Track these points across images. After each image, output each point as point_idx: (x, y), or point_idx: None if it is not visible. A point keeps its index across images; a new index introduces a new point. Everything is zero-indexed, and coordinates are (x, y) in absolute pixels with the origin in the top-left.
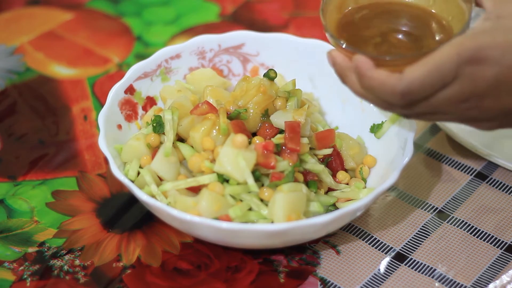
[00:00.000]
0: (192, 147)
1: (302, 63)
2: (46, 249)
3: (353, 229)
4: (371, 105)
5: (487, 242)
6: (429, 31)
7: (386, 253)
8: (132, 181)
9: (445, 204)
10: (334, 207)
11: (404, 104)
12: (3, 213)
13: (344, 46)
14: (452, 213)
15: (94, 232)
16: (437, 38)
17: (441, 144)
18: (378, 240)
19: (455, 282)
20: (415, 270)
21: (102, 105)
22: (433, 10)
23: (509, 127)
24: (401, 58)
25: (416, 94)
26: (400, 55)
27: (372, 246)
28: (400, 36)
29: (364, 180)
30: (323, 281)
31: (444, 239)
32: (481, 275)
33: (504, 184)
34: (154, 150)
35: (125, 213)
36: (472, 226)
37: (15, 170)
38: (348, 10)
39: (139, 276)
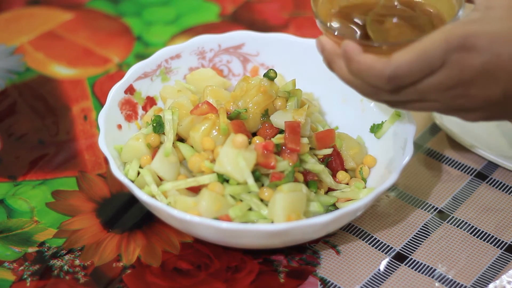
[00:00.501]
0: (192, 147)
1: (302, 63)
2: (46, 249)
3: (353, 229)
4: (371, 105)
5: (487, 242)
6: (420, 22)
7: (386, 253)
8: (132, 181)
9: (445, 204)
10: (334, 207)
11: (391, 89)
12: (3, 213)
13: (335, 33)
14: (452, 213)
15: (94, 232)
16: (427, 29)
17: (441, 144)
18: (378, 240)
19: (455, 282)
20: (415, 270)
21: (102, 105)
22: (424, 3)
23: (495, 119)
24: (390, 44)
25: (403, 78)
26: (389, 42)
27: (372, 246)
28: (390, 26)
29: (364, 180)
30: (323, 281)
31: (444, 239)
32: (481, 275)
33: (504, 184)
34: (154, 150)
35: (125, 213)
36: (472, 226)
37: (15, 170)
38: (343, 5)
39: (139, 276)
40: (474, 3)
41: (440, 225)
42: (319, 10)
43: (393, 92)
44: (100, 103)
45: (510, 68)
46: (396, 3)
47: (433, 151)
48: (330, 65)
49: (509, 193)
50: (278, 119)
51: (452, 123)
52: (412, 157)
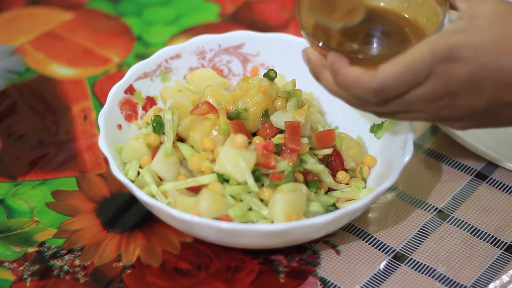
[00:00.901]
0: (192, 147)
1: (302, 63)
2: (46, 249)
3: (353, 229)
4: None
5: (487, 242)
6: (404, 33)
7: (386, 253)
8: (132, 181)
9: (445, 204)
10: (334, 207)
11: (377, 102)
12: (3, 213)
13: (320, 44)
14: (452, 213)
15: (94, 232)
16: (411, 40)
17: (441, 144)
18: (378, 240)
19: (455, 282)
20: (415, 270)
21: (102, 105)
22: (406, 15)
23: (482, 127)
24: (375, 56)
25: (389, 91)
26: (375, 54)
27: (372, 246)
28: (375, 38)
29: (364, 180)
30: (323, 281)
31: (444, 239)
32: (481, 275)
33: (504, 184)
34: (154, 150)
35: (125, 213)
36: (472, 226)
37: (15, 170)
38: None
39: (139, 276)
40: (458, 11)
41: (440, 225)
42: (304, 21)
43: (380, 104)
44: (100, 103)
45: (494, 78)
46: (379, 14)
47: (433, 151)
48: (317, 76)
49: (509, 193)
50: (278, 119)
51: None
52: (412, 157)
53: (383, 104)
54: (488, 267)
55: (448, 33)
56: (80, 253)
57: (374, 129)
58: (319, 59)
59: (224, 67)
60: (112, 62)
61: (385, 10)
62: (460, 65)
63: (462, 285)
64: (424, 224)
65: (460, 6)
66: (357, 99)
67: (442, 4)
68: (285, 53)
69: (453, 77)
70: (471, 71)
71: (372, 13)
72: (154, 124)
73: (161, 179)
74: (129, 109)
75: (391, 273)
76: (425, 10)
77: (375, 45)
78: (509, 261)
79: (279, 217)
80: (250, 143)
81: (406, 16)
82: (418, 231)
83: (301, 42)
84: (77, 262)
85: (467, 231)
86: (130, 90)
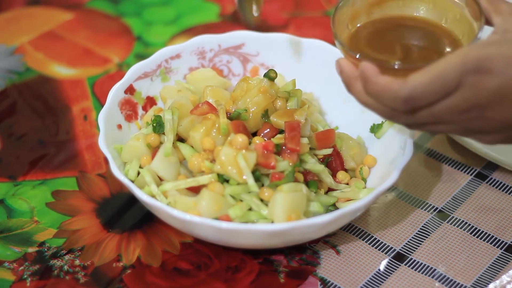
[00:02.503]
0: (192, 147)
1: (302, 63)
2: (46, 249)
3: (353, 229)
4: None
5: (487, 242)
6: (440, 46)
7: (386, 253)
8: (132, 181)
9: (445, 204)
10: (334, 207)
11: (406, 110)
12: (3, 213)
13: (353, 54)
14: (452, 213)
15: (94, 232)
16: (446, 54)
17: (441, 144)
18: (378, 240)
19: (455, 282)
20: (415, 270)
21: (102, 105)
22: (444, 25)
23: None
24: (408, 67)
25: (418, 100)
26: (407, 65)
27: (372, 246)
28: (410, 49)
29: (364, 180)
30: (323, 281)
31: (444, 239)
32: (481, 275)
33: (504, 184)
34: (154, 150)
35: (125, 213)
36: (472, 226)
37: (15, 170)
38: (361, 25)
39: (139, 276)
40: (493, 26)
41: (440, 225)
42: (338, 31)
43: (409, 113)
44: (100, 103)
45: None
46: (416, 26)
47: (433, 151)
48: (349, 87)
49: (509, 193)
50: (278, 119)
51: None
52: (412, 157)
53: (412, 114)
54: (488, 267)
55: (480, 45)
56: (80, 253)
57: (374, 129)
58: (351, 70)
59: (224, 67)
60: (112, 62)
61: (423, 21)
62: (490, 77)
63: (462, 285)
64: (424, 224)
65: (496, 21)
66: (387, 108)
67: (478, 19)
68: (285, 53)
69: (483, 89)
70: (502, 84)
71: (409, 23)
72: (154, 124)
73: (161, 179)
74: (129, 109)
75: (391, 273)
76: (462, 25)
77: (409, 56)
78: (509, 261)
79: (279, 217)
80: (250, 143)
81: (444, 27)
82: (418, 231)
83: (301, 42)
84: (77, 262)
85: (467, 231)
86: (130, 90)
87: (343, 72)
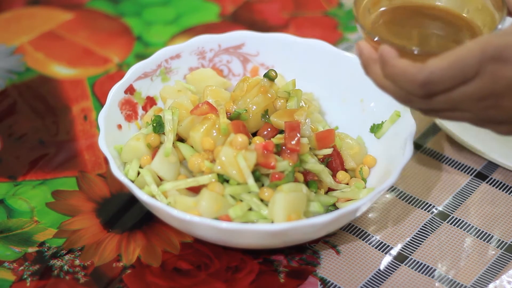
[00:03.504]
0: (192, 147)
1: (302, 63)
2: (46, 249)
3: (353, 229)
4: (371, 105)
5: (487, 242)
6: (459, 37)
7: (386, 253)
8: (132, 181)
9: (445, 204)
10: (334, 207)
11: (423, 95)
12: (3, 213)
13: (373, 37)
14: (452, 213)
15: (94, 232)
16: (466, 40)
17: (441, 144)
18: (378, 240)
19: (455, 282)
20: (415, 270)
21: (102, 105)
22: (465, 16)
23: None
24: (427, 52)
25: (436, 85)
26: (427, 50)
27: (372, 246)
28: (429, 38)
29: (364, 180)
30: (323, 281)
31: (444, 239)
32: (481, 275)
33: (504, 184)
34: (154, 150)
35: (125, 213)
36: (472, 226)
37: (15, 170)
38: (382, 10)
39: (139, 276)
40: None
41: (440, 225)
42: (360, 15)
43: (425, 98)
44: (100, 103)
45: None
46: (437, 15)
47: (433, 151)
48: (366, 69)
49: (509, 193)
50: (278, 119)
51: (452, 123)
52: (412, 157)
53: (428, 99)
54: (488, 267)
55: (501, 34)
56: (80, 253)
57: (374, 129)
58: (371, 53)
59: (224, 67)
60: (112, 62)
61: (444, 10)
62: (509, 66)
63: (462, 285)
64: (424, 224)
65: None
66: (403, 92)
67: (500, 10)
68: (285, 53)
69: (501, 78)
70: None
71: (430, 11)
72: (154, 124)
73: (161, 179)
74: (129, 109)
75: (391, 273)
76: (483, 16)
77: (427, 44)
78: (509, 261)
79: (279, 217)
80: (250, 143)
81: (465, 17)
82: (418, 231)
83: (301, 42)
84: (77, 262)
85: (467, 231)
86: (130, 90)
87: (362, 54)
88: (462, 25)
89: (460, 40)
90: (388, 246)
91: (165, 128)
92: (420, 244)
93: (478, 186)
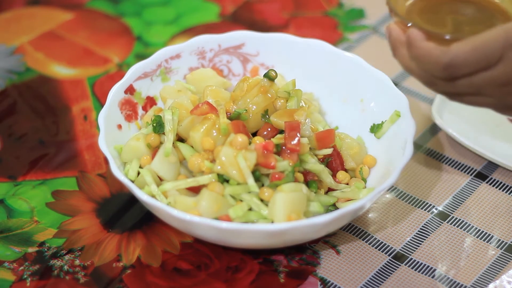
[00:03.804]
0: (192, 147)
1: (302, 63)
2: (46, 249)
3: (353, 229)
4: (371, 105)
5: (487, 242)
6: (492, 23)
7: (386, 253)
8: (132, 181)
9: (445, 204)
10: (334, 207)
11: (446, 77)
12: (3, 213)
13: (405, 21)
14: (452, 213)
15: (94, 232)
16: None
17: (441, 144)
18: (378, 240)
19: (455, 282)
20: (415, 270)
21: (102, 105)
22: (498, 2)
23: None
24: (454, 37)
25: (459, 68)
26: (456, 35)
27: (372, 246)
28: (462, 25)
29: (364, 180)
30: (323, 281)
31: (444, 239)
32: (481, 275)
33: (504, 184)
34: (154, 150)
35: (125, 213)
36: (472, 226)
37: (15, 170)
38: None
39: (139, 276)
40: None
41: (440, 225)
42: (393, 1)
43: (449, 81)
44: (100, 103)
45: None
46: (470, 1)
47: (433, 151)
48: (394, 51)
49: (509, 193)
50: (278, 119)
51: (452, 123)
52: (412, 157)
53: (452, 82)
54: (488, 267)
55: None
56: (80, 253)
57: (374, 129)
58: (399, 35)
59: (224, 67)
60: (112, 62)
61: None
62: None
63: (462, 285)
64: (424, 224)
65: None
66: (427, 74)
67: None
68: (285, 53)
69: None
70: None
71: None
72: (154, 124)
73: (161, 179)
74: (129, 109)
75: (391, 273)
76: None
77: (460, 31)
78: (509, 261)
79: (279, 217)
80: (250, 143)
81: (498, 2)
82: (418, 231)
83: (301, 42)
84: (77, 262)
85: (467, 231)
86: (130, 90)
87: (391, 35)
88: (495, 12)
89: (492, 26)
90: (388, 246)
91: (165, 128)
92: (420, 244)
93: (478, 186)
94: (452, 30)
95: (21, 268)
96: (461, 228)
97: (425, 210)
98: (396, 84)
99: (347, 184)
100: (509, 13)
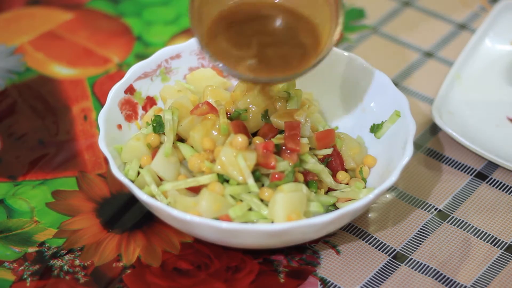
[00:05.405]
0: (192, 147)
1: None
2: (46, 249)
3: (353, 229)
4: (371, 105)
5: (487, 242)
6: (299, 42)
7: (386, 253)
8: (132, 181)
9: (445, 204)
10: (334, 207)
11: None
12: (3, 213)
13: (219, 66)
14: (452, 213)
15: (94, 232)
16: (307, 45)
17: (441, 144)
18: (378, 240)
19: (455, 282)
20: (415, 270)
21: (102, 105)
22: (305, 14)
23: None
24: (271, 80)
25: None
26: (270, 78)
27: (372, 246)
28: (267, 44)
29: (364, 180)
30: (323, 281)
31: (444, 239)
32: (481, 275)
33: (504, 184)
34: (154, 150)
35: (125, 213)
36: (472, 226)
37: (15, 170)
38: (218, 14)
39: (139, 276)
40: None
41: (440, 225)
42: (197, 31)
43: None
44: (100, 103)
45: None
46: (275, 17)
47: (433, 151)
48: None
49: (509, 193)
50: (278, 119)
51: (452, 123)
52: (412, 157)
53: None
54: (488, 267)
55: None
56: (80, 253)
57: (374, 129)
58: None
59: None
60: (112, 62)
61: (281, 7)
62: None
63: (462, 285)
64: (424, 224)
65: None
66: None
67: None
68: None
69: None
70: None
71: (265, 10)
72: (154, 124)
73: (161, 179)
74: (129, 109)
75: (391, 273)
76: (322, 11)
77: (262, 50)
78: (509, 261)
79: (279, 217)
80: (250, 143)
81: (308, 17)
82: (418, 231)
83: None
84: (77, 262)
85: (467, 231)
86: (130, 90)
87: None
88: (305, 26)
89: (298, 46)
90: (388, 246)
91: (165, 128)
92: (420, 244)
93: (478, 186)
94: (256, 53)
95: (21, 268)
96: (461, 228)
97: (425, 210)
98: (396, 84)
99: (347, 184)
100: (319, 29)
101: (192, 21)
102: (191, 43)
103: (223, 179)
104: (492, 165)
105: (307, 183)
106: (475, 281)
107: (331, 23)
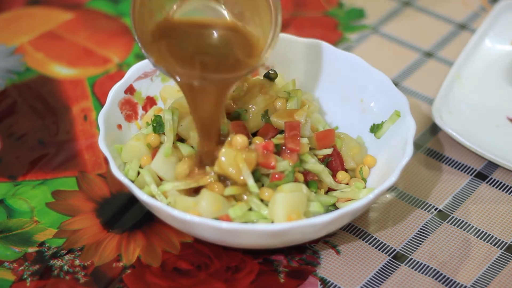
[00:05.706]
0: (192, 147)
1: (302, 63)
2: (46, 249)
3: (353, 229)
4: (371, 105)
5: (487, 242)
6: (236, 56)
7: (386, 253)
8: (132, 181)
9: (445, 204)
10: (334, 207)
11: None
12: (3, 213)
13: (154, 65)
14: (452, 213)
15: (94, 232)
16: (241, 55)
17: (441, 144)
18: (378, 240)
19: (455, 282)
20: (415, 270)
21: (102, 105)
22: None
23: None
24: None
25: None
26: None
27: (372, 246)
28: (208, 58)
29: (364, 180)
30: (323, 281)
31: (444, 239)
32: (481, 275)
33: (504, 184)
34: (154, 150)
35: (125, 213)
36: (472, 226)
37: (15, 170)
38: (162, 21)
39: (139, 276)
40: None
41: (440, 225)
42: (139, 28)
43: None
44: (100, 103)
45: None
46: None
47: (433, 151)
48: None
49: (509, 193)
50: (278, 119)
51: (452, 123)
52: (412, 157)
53: None
54: (488, 267)
55: None
56: (80, 253)
57: (374, 129)
58: None
59: None
60: (112, 62)
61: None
62: None
63: (462, 285)
64: (424, 224)
65: None
66: None
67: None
68: (285, 53)
69: None
70: None
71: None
72: (154, 124)
73: (161, 179)
74: (129, 109)
75: (391, 273)
76: (262, 24)
77: (204, 64)
78: (509, 261)
79: (279, 217)
80: (250, 143)
81: (248, 29)
82: (418, 231)
83: (301, 42)
84: (77, 262)
85: (467, 231)
86: (130, 90)
87: None
88: (244, 40)
89: (237, 56)
90: (388, 246)
91: (165, 128)
92: (420, 244)
93: (478, 186)
94: (199, 66)
95: (21, 268)
96: (461, 228)
97: (425, 210)
98: (396, 84)
99: (347, 184)
100: (259, 41)
101: (133, 22)
102: None
103: (223, 179)
104: (492, 165)
105: (307, 183)
106: (475, 281)
107: (270, 26)
